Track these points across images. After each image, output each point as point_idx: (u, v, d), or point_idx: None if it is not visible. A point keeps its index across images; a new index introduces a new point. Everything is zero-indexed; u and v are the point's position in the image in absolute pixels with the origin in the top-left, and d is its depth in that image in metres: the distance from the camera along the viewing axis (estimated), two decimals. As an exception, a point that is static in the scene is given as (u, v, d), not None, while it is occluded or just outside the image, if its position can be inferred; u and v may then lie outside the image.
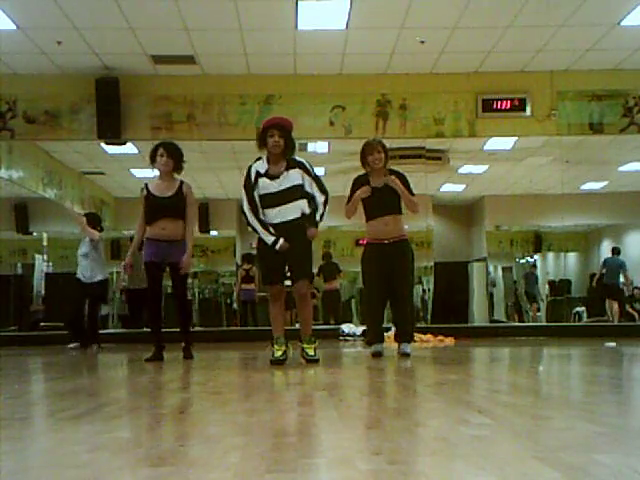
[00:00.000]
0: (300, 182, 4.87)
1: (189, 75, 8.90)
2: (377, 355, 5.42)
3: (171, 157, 5.52)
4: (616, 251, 13.36)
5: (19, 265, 13.50)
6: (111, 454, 1.89)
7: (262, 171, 4.95)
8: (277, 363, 4.81)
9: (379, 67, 8.81)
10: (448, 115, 9.15)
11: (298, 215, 4.86)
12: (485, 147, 10.99)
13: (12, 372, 5.26)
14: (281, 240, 4.81)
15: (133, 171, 12.30)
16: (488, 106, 9.07)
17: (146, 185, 5.61)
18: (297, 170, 4.90)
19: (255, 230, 4.91)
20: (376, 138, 5.70)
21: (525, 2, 7.06)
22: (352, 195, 5.44)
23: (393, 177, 5.34)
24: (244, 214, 4.96)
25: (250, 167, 5.07)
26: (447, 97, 9.13)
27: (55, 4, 6.86)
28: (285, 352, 4.90)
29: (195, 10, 7.12)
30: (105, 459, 1.82)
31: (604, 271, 13.09)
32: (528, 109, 9.05)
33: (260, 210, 4.89)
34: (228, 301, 15.12)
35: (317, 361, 4.87)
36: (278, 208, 4.85)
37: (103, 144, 9.83)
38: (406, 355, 5.39)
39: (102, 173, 12.89)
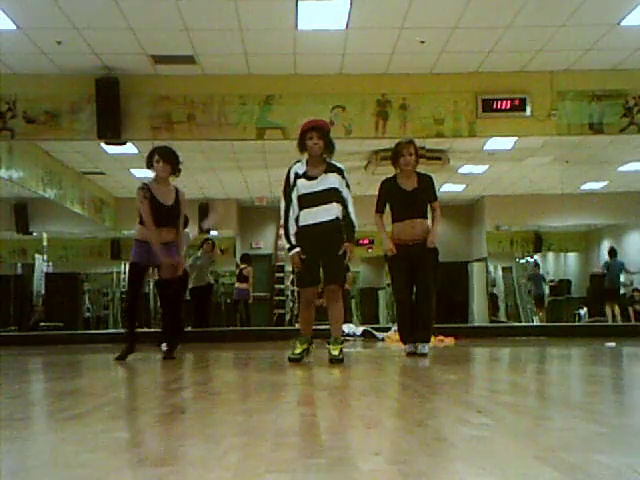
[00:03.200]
0: (337, 186, 4.94)
1: (189, 75, 8.90)
2: (412, 354, 5.45)
3: (167, 162, 5.53)
4: (614, 253, 13.32)
5: (19, 265, 13.50)
6: (111, 454, 1.89)
7: (300, 172, 5.01)
8: (293, 360, 4.91)
9: (379, 67, 8.81)
10: (448, 115, 9.14)
11: (332, 218, 4.91)
12: (485, 147, 11.00)
13: (12, 372, 5.26)
14: (295, 250, 4.90)
15: (133, 171, 12.30)
16: (488, 106, 9.06)
17: (147, 186, 5.59)
18: (335, 174, 4.97)
19: (286, 232, 4.98)
20: (409, 139, 5.72)
21: (525, 2, 7.05)
22: (380, 198, 5.53)
23: (431, 241, 5.39)
24: (282, 217, 5.02)
25: (289, 170, 5.11)
26: (447, 97, 9.13)
27: (55, 4, 6.85)
28: (305, 351, 4.98)
29: (195, 10, 7.12)
30: (105, 459, 1.82)
31: (604, 273, 13.07)
32: (528, 109, 9.04)
33: (295, 214, 4.95)
34: (228, 301, 15.14)
35: (341, 361, 4.85)
36: (315, 209, 4.91)
37: (103, 144, 9.83)
38: (423, 355, 5.40)
39: (102, 173, 12.88)
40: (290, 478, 1.54)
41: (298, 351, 4.95)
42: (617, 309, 12.82)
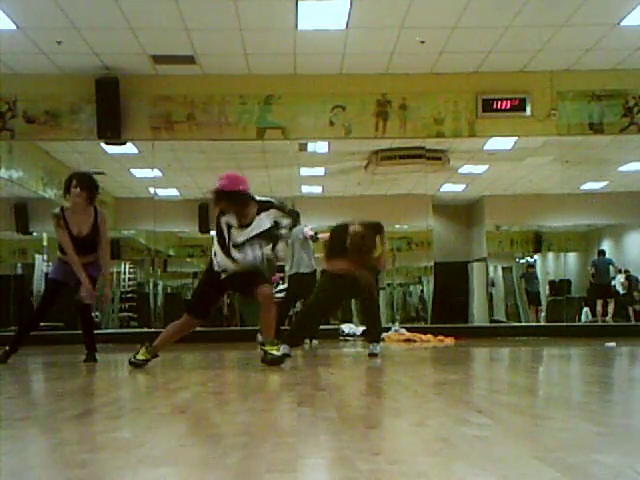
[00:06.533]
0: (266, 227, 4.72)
1: (189, 75, 8.90)
2: (285, 356, 5.35)
3: (84, 188, 5.42)
4: (602, 253, 13.41)
5: (19, 265, 13.48)
6: (111, 454, 1.89)
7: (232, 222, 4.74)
8: (133, 364, 4.76)
9: (379, 67, 8.80)
10: (448, 115, 9.14)
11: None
12: (485, 147, 10.99)
13: (12, 372, 5.26)
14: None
15: (133, 171, 12.29)
16: (488, 106, 9.06)
17: (62, 212, 5.51)
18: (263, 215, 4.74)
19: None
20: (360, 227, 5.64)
21: (525, 2, 7.05)
22: (331, 240, 5.68)
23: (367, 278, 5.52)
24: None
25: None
26: (447, 97, 9.13)
27: (55, 4, 6.85)
28: (147, 361, 4.80)
29: (195, 10, 7.12)
30: (105, 459, 1.82)
31: (593, 272, 13.13)
32: (528, 109, 9.04)
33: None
34: (228, 301, 15.09)
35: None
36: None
37: (103, 144, 9.83)
38: (373, 355, 5.57)
39: (102, 173, 12.84)
40: (290, 478, 1.54)
41: (140, 357, 4.78)
42: (612, 305, 12.81)
